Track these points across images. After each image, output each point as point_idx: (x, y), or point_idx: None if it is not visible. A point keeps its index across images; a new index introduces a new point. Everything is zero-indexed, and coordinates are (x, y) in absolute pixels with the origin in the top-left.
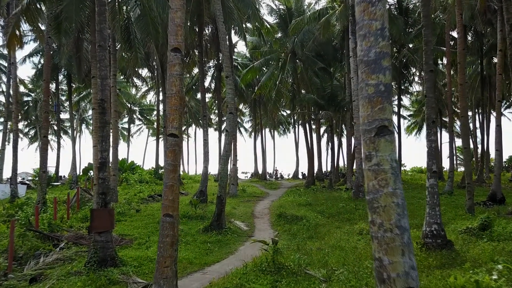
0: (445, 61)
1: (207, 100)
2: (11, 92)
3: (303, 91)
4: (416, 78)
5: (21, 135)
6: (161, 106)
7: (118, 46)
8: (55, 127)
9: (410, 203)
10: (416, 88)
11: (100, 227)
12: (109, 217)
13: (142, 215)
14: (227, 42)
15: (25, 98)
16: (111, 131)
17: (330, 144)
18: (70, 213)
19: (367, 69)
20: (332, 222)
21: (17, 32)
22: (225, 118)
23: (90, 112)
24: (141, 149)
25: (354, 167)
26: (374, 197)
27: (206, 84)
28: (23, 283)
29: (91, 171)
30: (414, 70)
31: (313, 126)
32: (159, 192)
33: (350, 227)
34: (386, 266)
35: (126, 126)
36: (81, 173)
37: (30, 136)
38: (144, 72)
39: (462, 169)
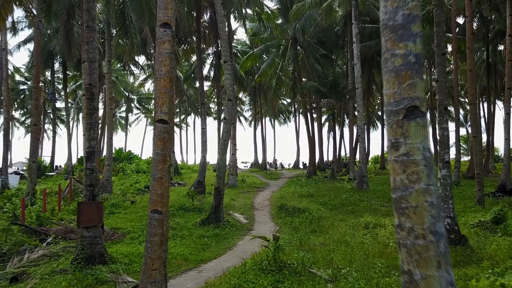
0: (450, 48)
1: (206, 88)
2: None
3: (304, 80)
4: None
5: (17, 124)
6: None
7: (114, 32)
8: (52, 116)
9: None
10: None
11: (87, 222)
12: (98, 211)
13: (137, 207)
14: (226, 25)
15: (21, 87)
16: (105, 119)
17: (332, 133)
18: (62, 205)
19: (393, 36)
20: (336, 215)
21: (8, 18)
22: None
23: None
24: (139, 138)
25: (357, 157)
26: (403, 195)
27: (205, 72)
28: (4, 282)
29: None
30: None
31: (314, 115)
32: None
33: (354, 219)
34: (418, 282)
35: (124, 115)
36: (76, 163)
37: (26, 125)
38: (142, 60)
39: (464, 158)
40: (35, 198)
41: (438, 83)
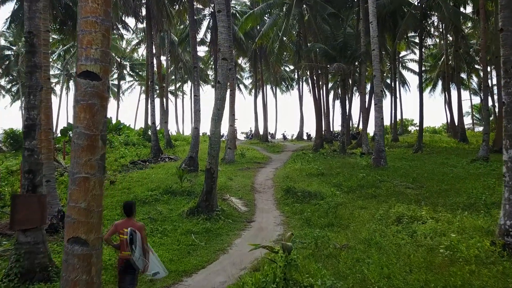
0: (468, 9)
1: (203, 54)
2: None
3: (309, 44)
4: (432, 30)
5: (3, 92)
6: (154, 65)
7: None
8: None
9: (443, 172)
10: (431, 41)
11: (25, 222)
12: (40, 207)
13: (116, 188)
14: None
15: (6, 52)
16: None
17: (340, 100)
18: None
19: None
20: (354, 200)
21: None
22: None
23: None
24: (133, 107)
25: (372, 129)
26: None
27: (201, 35)
28: None
29: (70, 132)
30: (431, 20)
31: (320, 82)
32: (144, 157)
33: (379, 207)
34: None
35: (116, 82)
36: (60, 135)
37: (12, 93)
38: (133, 23)
39: (478, 129)
40: None
41: (503, 34)
